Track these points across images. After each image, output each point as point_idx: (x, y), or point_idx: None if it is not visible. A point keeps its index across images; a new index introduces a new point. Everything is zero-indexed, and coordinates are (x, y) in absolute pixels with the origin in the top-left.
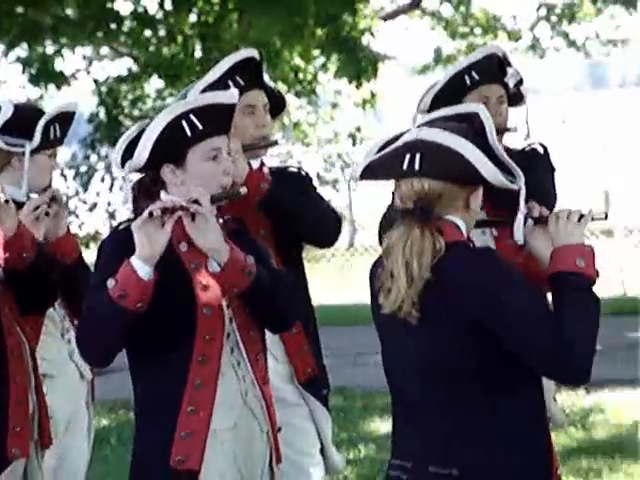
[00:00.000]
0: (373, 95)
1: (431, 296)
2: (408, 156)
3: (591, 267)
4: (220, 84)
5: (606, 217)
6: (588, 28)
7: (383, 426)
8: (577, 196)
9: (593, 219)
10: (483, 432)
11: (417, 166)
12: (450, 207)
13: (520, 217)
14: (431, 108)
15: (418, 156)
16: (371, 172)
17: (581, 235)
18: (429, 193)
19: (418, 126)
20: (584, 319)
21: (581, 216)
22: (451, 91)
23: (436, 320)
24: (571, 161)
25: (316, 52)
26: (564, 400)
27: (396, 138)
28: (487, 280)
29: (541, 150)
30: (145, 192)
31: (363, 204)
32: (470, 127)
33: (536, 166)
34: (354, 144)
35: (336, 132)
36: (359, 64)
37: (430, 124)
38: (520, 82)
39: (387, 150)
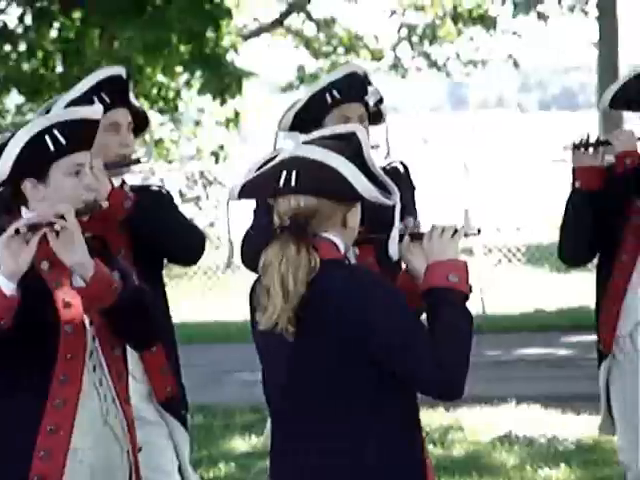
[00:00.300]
0: (237, 114)
1: (307, 313)
2: (284, 173)
3: (464, 283)
4: (85, 100)
5: (479, 232)
6: (449, 49)
7: (244, 444)
8: (439, 215)
9: (467, 235)
10: (356, 448)
11: (293, 183)
12: (327, 224)
13: (395, 232)
14: (293, 126)
15: (294, 173)
16: (249, 191)
17: (455, 251)
18: (305, 210)
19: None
20: (457, 335)
21: (455, 232)
22: (312, 109)
23: (312, 336)
24: (432, 180)
25: (179, 69)
26: (423, 418)
27: (274, 157)
28: (362, 297)
29: (402, 169)
30: (4, 207)
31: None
32: (347, 145)
33: (397, 185)
34: (217, 162)
35: (199, 149)
36: (223, 81)
37: (309, 144)
38: (380, 101)
39: (264, 168)
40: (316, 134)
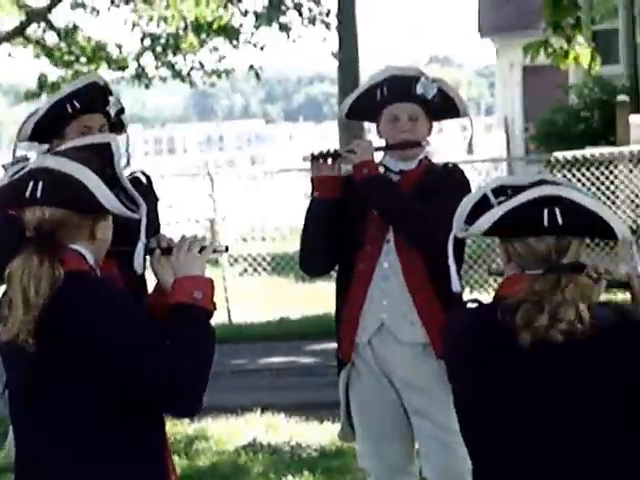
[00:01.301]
0: None
1: (48, 325)
2: (32, 183)
3: (208, 299)
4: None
5: (227, 250)
6: (193, 59)
7: None
8: (185, 225)
9: (215, 251)
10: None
11: (39, 194)
12: (74, 236)
13: (140, 246)
14: (32, 136)
15: (41, 184)
16: None
17: (201, 266)
18: (50, 221)
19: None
20: (199, 351)
21: (202, 248)
22: (52, 119)
23: (52, 349)
24: (177, 190)
25: None
26: (169, 429)
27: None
28: (99, 312)
29: (144, 179)
30: None
31: None
32: (97, 156)
33: (143, 196)
34: None
35: None
36: None
37: (62, 154)
38: (121, 111)
39: (14, 178)
40: (70, 144)
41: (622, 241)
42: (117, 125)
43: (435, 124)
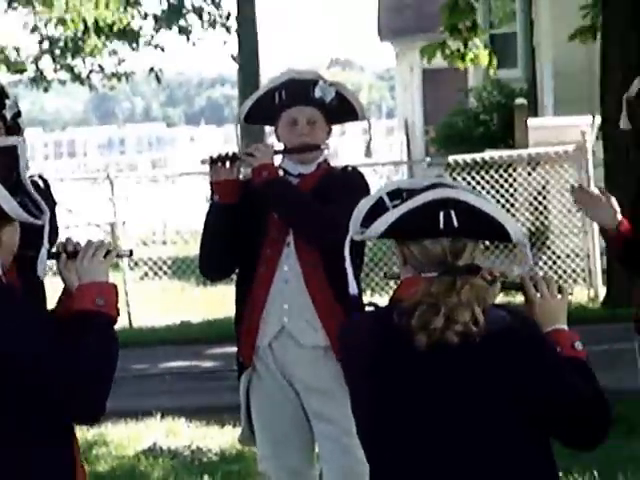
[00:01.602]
0: None
1: None
2: None
3: (112, 306)
4: None
5: (131, 254)
6: (93, 62)
7: None
8: (85, 229)
9: (119, 256)
10: None
11: None
12: None
13: (44, 251)
14: None
15: None
16: None
17: (105, 272)
18: None
19: None
20: (101, 359)
21: (107, 253)
22: None
23: None
24: (78, 194)
25: None
26: None
27: None
28: (4, 324)
29: (42, 183)
30: None
31: None
32: (3, 159)
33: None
34: None
35: None
36: None
37: None
38: (18, 114)
39: None
40: None
41: (517, 244)
42: (13, 128)
43: (337, 127)
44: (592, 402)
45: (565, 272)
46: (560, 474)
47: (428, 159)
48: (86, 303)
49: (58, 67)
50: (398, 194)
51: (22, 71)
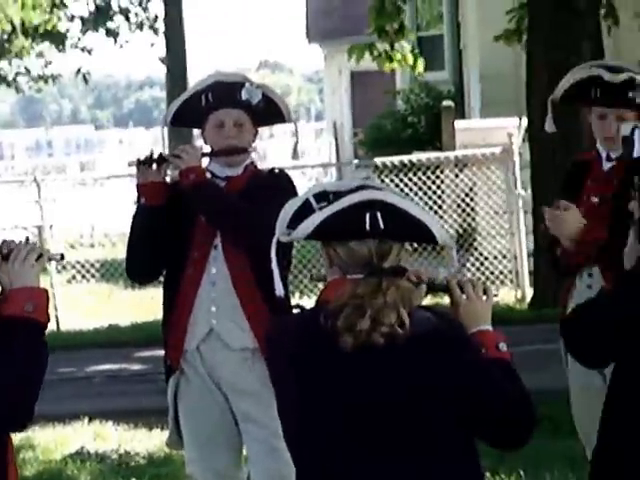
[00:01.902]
0: None
1: None
2: None
3: (41, 312)
4: None
5: (62, 258)
6: (19, 64)
7: None
8: (11, 232)
9: (50, 259)
10: None
11: None
12: None
13: None
14: None
15: None
16: None
17: (36, 277)
18: None
19: None
20: (28, 366)
21: (39, 256)
22: None
23: None
24: (4, 196)
25: None
26: None
27: None
28: None
29: None
30: None
31: None
32: None
33: None
34: None
35: None
36: None
37: None
38: None
39: None
40: None
41: (443, 246)
42: None
43: (266, 130)
44: (517, 402)
45: (492, 273)
46: (487, 474)
47: (356, 161)
48: (15, 309)
49: None
50: (325, 196)
51: None
